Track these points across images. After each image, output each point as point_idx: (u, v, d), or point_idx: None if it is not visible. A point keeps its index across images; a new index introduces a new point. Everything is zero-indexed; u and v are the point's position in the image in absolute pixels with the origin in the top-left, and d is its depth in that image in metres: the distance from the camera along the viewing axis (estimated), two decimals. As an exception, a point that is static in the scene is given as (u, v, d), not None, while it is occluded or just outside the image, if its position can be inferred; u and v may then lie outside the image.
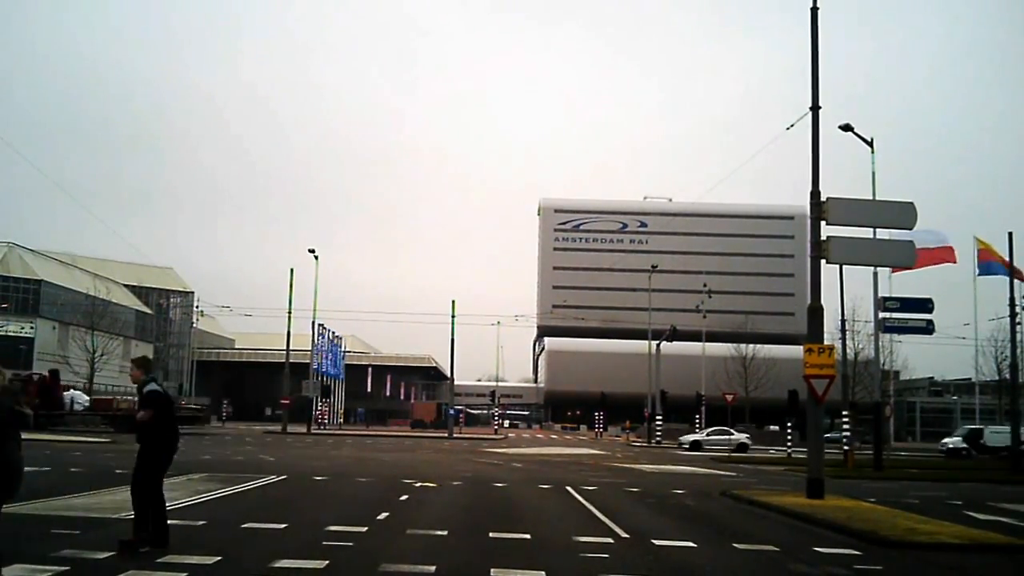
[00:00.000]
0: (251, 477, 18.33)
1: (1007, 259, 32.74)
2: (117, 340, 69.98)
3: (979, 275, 43.30)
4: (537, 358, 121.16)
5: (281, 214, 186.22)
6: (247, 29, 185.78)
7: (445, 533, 10.92)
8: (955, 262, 32.97)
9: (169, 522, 9.18)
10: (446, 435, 55.23)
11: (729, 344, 66.40)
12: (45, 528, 10.32)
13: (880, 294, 30.20)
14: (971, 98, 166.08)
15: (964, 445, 47.33)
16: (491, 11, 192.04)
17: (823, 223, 16.93)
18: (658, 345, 54.08)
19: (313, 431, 53.16)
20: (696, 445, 45.52)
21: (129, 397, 77.10)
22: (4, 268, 72.19)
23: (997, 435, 45.60)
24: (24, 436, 7.08)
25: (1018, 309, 32.70)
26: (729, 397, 44.38)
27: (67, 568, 7.90)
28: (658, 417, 52.70)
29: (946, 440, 49.90)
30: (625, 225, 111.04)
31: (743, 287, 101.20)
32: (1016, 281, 32.94)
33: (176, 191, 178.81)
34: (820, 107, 17.39)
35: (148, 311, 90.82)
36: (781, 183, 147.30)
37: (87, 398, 52.38)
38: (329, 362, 65.96)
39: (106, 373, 66.59)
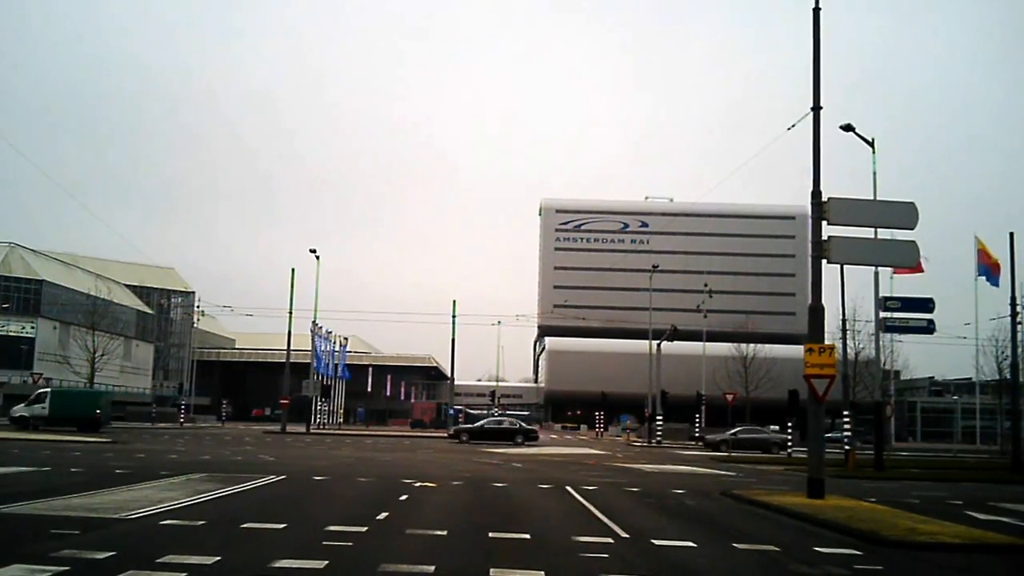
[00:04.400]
0: (251, 477, 18.33)
1: (1008, 258, 32.68)
2: (118, 340, 70.06)
3: (979, 276, 43.30)
4: (537, 358, 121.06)
5: (283, 214, 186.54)
6: (253, 28, 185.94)
7: (445, 533, 10.91)
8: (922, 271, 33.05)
9: (169, 522, 9.16)
10: (446, 435, 55.10)
11: (730, 344, 66.35)
12: (45, 528, 10.30)
13: (881, 294, 30.20)
14: (973, 98, 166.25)
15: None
16: (493, 11, 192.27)
17: (824, 223, 16.92)
18: (659, 345, 54.00)
19: (312, 431, 53.11)
20: None
21: (130, 398, 77.56)
22: (5, 268, 72.30)
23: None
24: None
25: (1019, 308, 32.64)
26: (729, 397, 44.15)
27: (67, 568, 7.90)
28: (659, 417, 52.65)
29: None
30: (626, 225, 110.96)
31: (744, 287, 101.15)
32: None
33: (178, 191, 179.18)
34: (821, 107, 17.37)
35: (149, 311, 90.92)
36: (782, 183, 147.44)
37: None
38: (328, 362, 65.85)
39: (106, 373, 66.68)
